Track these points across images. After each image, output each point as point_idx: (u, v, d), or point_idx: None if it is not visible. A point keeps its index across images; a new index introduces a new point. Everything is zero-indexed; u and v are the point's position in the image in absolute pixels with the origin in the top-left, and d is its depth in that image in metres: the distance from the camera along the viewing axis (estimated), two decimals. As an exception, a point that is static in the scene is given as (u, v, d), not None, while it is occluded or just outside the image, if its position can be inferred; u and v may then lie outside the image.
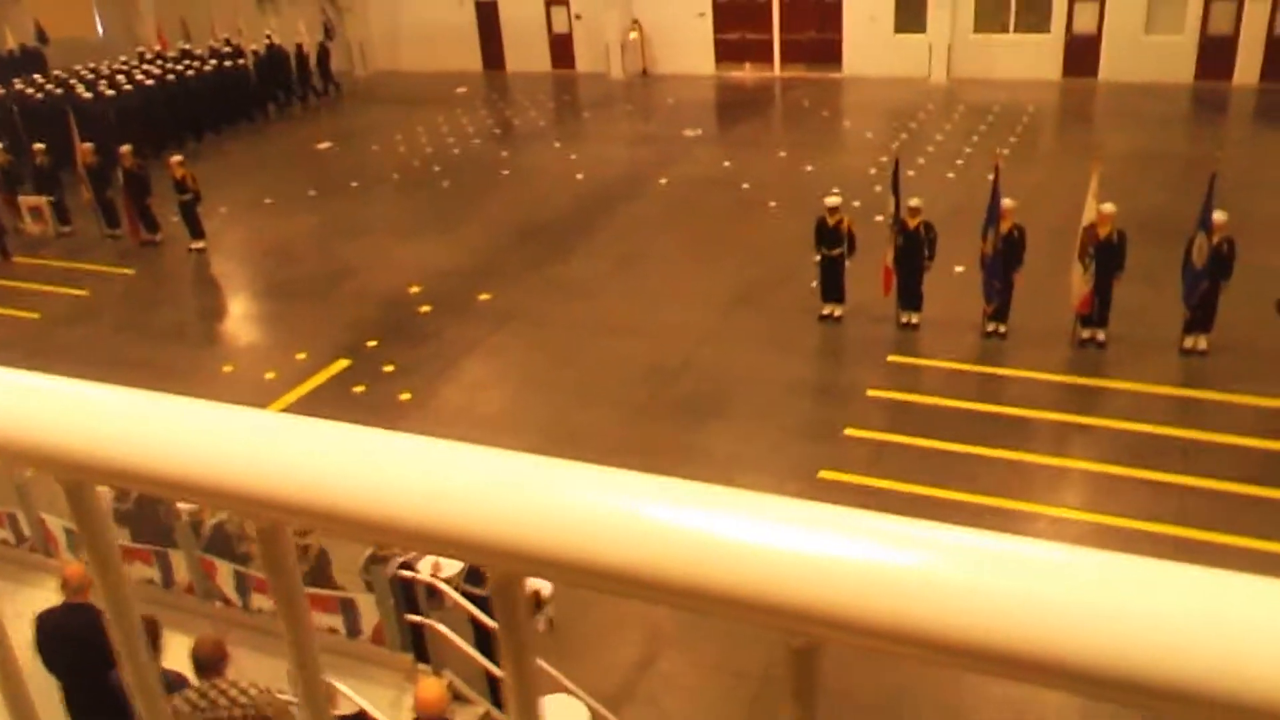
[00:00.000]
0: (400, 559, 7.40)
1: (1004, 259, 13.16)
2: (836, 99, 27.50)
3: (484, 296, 16.07)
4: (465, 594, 7.30)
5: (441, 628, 7.21)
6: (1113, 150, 18.81)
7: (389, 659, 7.33)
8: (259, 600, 7.84)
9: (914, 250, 13.59)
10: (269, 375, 14.02)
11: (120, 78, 26.27)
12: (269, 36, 29.99)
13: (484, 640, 7.17)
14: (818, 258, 14.20)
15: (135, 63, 28.32)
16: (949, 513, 9.81)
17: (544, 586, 7.88)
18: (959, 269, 14.33)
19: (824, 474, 10.88)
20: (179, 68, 27.34)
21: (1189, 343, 12.78)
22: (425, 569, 7.34)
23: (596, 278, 16.54)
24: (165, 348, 15.11)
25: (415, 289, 16.43)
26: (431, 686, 5.68)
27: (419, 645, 7.39)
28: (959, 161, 20.60)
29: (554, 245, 17.94)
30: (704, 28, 30.44)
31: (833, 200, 14.16)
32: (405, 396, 13.22)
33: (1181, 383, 12.25)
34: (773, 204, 19.02)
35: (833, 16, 28.85)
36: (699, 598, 0.59)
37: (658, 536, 0.60)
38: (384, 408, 12.78)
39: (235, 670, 5.63)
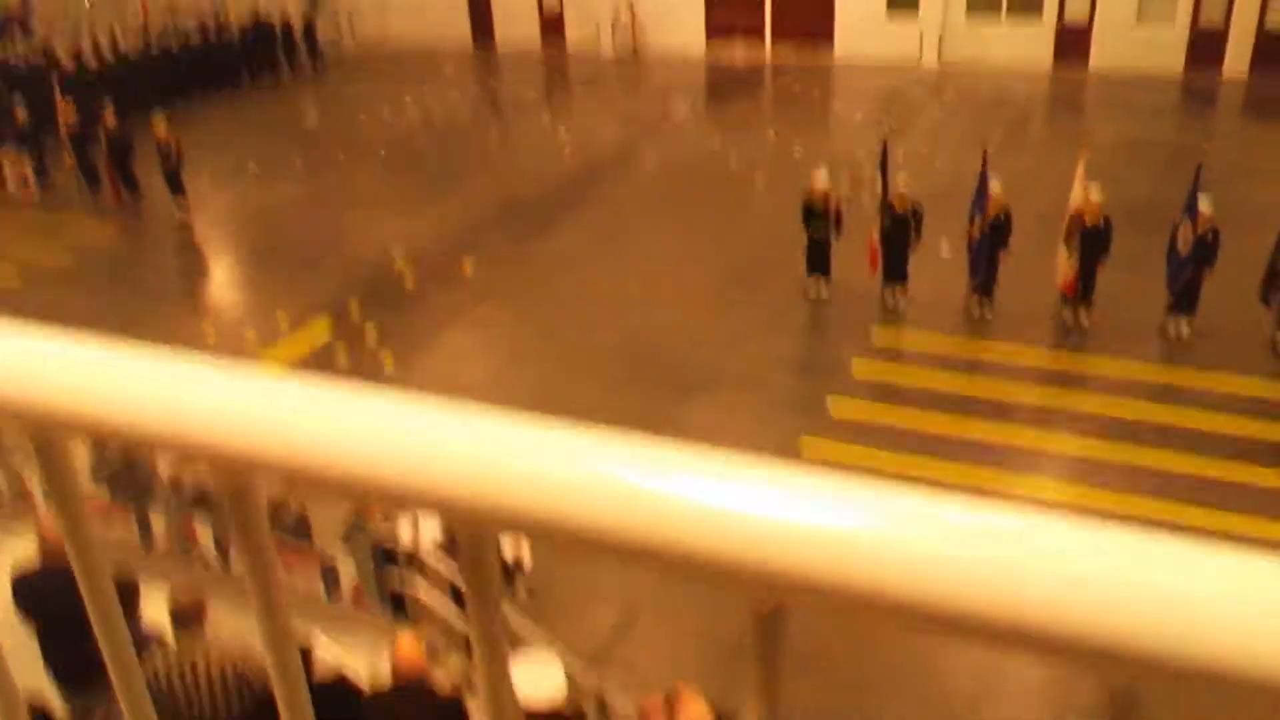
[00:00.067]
0: (379, 520, 7.39)
1: (990, 242, 13.20)
2: (827, 81, 27.45)
3: (468, 268, 16.00)
4: (445, 560, 7.29)
5: (421, 593, 7.20)
6: (1101, 139, 18.86)
7: (368, 621, 7.32)
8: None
9: (901, 232, 13.60)
10: (250, 337, 13.95)
11: (103, 44, 26.00)
12: (255, 8, 29.71)
13: (464, 606, 7.15)
14: (805, 237, 14.19)
15: (120, 32, 28.02)
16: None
17: (524, 555, 7.88)
18: (945, 251, 14.35)
19: (807, 449, 10.91)
20: (165, 38, 27.07)
21: (1172, 327, 12.86)
22: (405, 535, 7.32)
23: (582, 252, 16.49)
24: (147, 310, 14.99)
25: (400, 259, 16.35)
26: (409, 645, 5.64)
27: (398, 608, 7.38)
28: (947, 146, 20.59)
29: (540, 219, 17.87)
30: (695, 8, 30.31)
31: (820, 180, 14.15)
32: (387, 365, 13.16)
33: (1163, 366, 12.32)
34: (760, 184, 18.99)
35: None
36: (663, 558, 0.58)
37: (623, 496, 0.59)
38: (365, 375, 12.73)
39: (213, 627, 5.59)
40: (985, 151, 13.36)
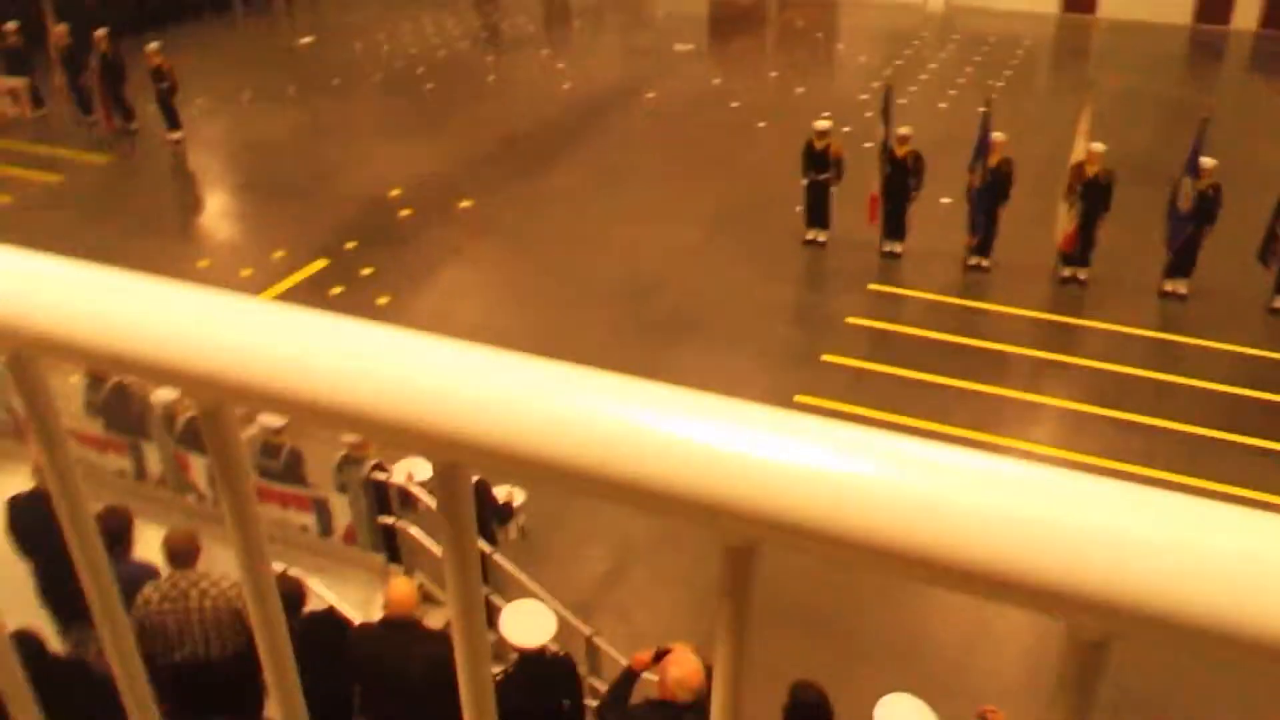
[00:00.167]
0: (373, 461, 7.41)
1: (991, 192, 13.12)
2: (832, 21, 27.08)
3: (465, 204, 15.88)
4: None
5: (414, 530, 7.25)
6: (1105, 89, 18.67)
7: (361, 559, 7.38)
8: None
9: (901, 179, 13.51)
10: (245, 272, 13.87)
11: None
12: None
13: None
14: (804, 182, 14.10)
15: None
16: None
17: (516, 495, 7.92)
18: (945, 200, 14.27)
19: (800, 398, 10.93)
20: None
21: (1169, 286, 12.84)
22: (399, 473, 7.35)
23: (579, 190, 16.37)
24: (140, 240, 14.88)
25: (395, 192, 16.21)
26: (402, 585, 5.70)
27: (391, 547, 7.44)
28: (951, 91, 20.39)
29: (538, 155, 17.70)
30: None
31: (822, 124, 14.03)
32: (382, 300, 13.12)
33: (1159, 326, 12.34)
34: (761, 124, 18.80)
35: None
36: (636, 493, 0.58)
37: (600, 430, 0.59)
38: (361, 310, 12.57)
39: (206, 562, 5.63)
40: (989, 98, 13.22)
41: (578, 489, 0.60)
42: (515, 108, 20.09)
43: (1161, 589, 0.48)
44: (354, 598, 6.68)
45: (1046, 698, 0.58)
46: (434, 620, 6.34)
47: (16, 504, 6.30)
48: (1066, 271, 13.20)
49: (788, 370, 11.61)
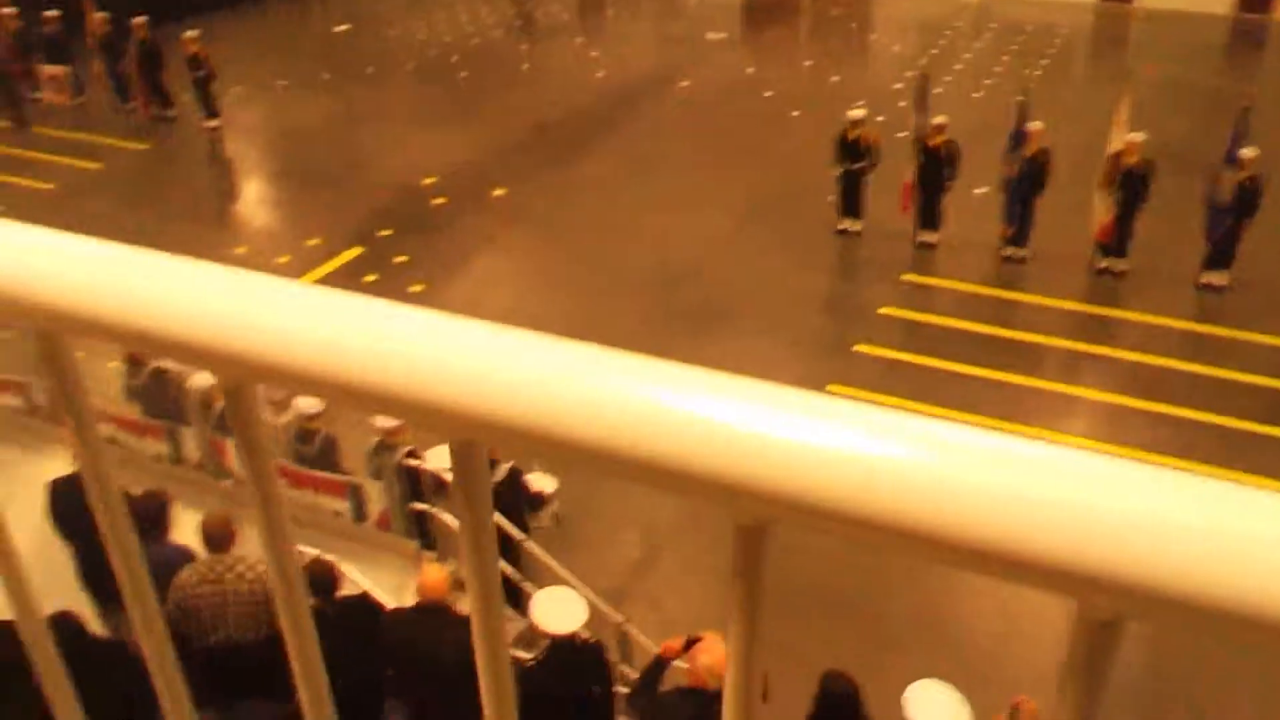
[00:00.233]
0: (406, 448, 7.46)
1: (1027, 183, 12.99)
2: (866, 9, 26.88)
3: (498, 192, 15.93)
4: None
5: (446, 517, 7.29)
6: (1144, 78, 18.43)
7: (394, 544, 7.43)
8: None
9: (935, 169, 13.41)
10: (282, 259, 13.98)
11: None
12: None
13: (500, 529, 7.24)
14: (837, 172, 14.03)
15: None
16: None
17: (547, 485, 7.95)
18: (980, 190, 14.15)
19: (832, 388, 10.90)
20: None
21: (1207, 278, 12.68)
22: (433, 460, 7.39)
23: (611, 179, 16.37)
24: (178, 226, 15.02)
25: (430, 180, 16.28)
26: (435, 572, 5.75)
27: (424, 533, 7.49)
28: (987, 81, 20.20)
29: (571, 144, 17.72)
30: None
31: (856, 113, 13.94)
32: (416, 288, 13.18)
33: (1196, 317, 12.19)
34: (795, 114, 18.72)
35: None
36: (651, 471, 0.58)
37: (613, 408, 0.59)
38: (395, 298, 12.50)
39: (243, 546, 5.70)
40: (1026, 88, 13.09)
41: (597, 467, 0.60)
42: (548, 96, 20.11)
43: (1187, 570, 0.48)
44: (387, 583, 6.73)
45: (1056, 678, 0.58)
46: (466, 606, 6.38)
47: (57, 488, 6.39)
48: (1103, 262, 13.05)
49: (820, 360, 11.57)
